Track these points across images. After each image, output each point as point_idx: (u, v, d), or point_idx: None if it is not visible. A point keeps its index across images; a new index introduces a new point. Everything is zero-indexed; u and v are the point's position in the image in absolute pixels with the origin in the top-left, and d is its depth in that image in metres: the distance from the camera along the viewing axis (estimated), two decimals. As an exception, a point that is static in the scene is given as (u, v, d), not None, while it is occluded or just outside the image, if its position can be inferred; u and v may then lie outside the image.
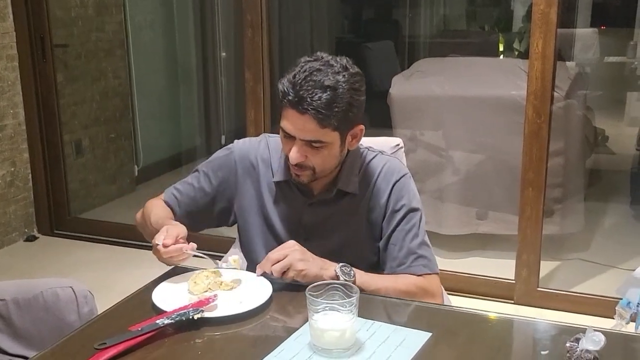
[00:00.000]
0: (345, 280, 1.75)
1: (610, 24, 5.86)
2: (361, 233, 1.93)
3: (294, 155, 1.79)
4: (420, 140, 4.31)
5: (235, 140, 2.06)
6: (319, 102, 1.70)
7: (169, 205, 2.02)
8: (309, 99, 1.70)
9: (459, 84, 4.32)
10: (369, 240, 1.94)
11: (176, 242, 1.75)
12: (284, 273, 1.72)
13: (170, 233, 1.76)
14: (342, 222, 1.93)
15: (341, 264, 1.78)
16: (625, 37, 5.60)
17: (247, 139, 2.07)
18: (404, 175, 1.93)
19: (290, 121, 1.76)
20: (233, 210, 2.02)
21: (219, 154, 2.04)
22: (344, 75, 1.74)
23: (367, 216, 1.92)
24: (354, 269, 1.79)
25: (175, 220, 1.92)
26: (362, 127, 1.85)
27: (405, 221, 1.90)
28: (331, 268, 1.76)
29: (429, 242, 1.95)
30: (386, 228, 1.92)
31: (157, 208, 1.99)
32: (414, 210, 1.91)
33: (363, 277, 1.80)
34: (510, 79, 4.07)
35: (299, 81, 1.72)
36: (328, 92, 1.71)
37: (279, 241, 1.93)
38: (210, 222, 2.08)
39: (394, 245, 1.90)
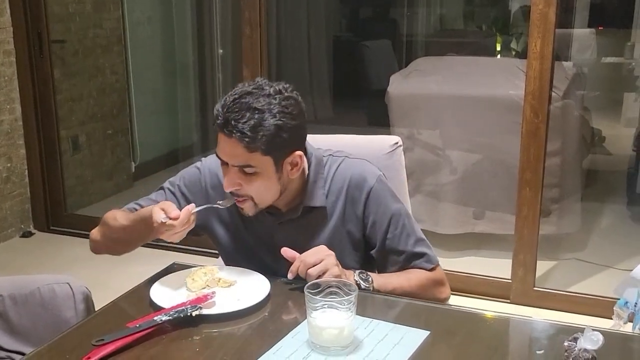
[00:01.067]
0: (366, 286, 1.77)
1: (607, 25, 5.87)
2: (339, 243, 1.88)
3: (226, 183, 1.75)
4: (418, 139, 4.31)
5: (203, 159, 2.00)
6: (244, 124, 1.66)
7: None
8: (233, 122, 1.66)
9: (457, 83, 4.32)
10: (348, 250, 1.91)
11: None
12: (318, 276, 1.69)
13: (167, 206, 1.71)
14: (316, 235, 1.88)
15: (358, 270, 1.79)
16: (623, 38, 5.62)
17: (214, 156, 1.96)
18: (376, 180, 1.87)
19: (220, 146, 1.72)
20: (203, 229, 1.96)
21: (187, 172, 1.98)
22: (275, 98, 1.70)
23: (344, 226, 1.88)
24: (370, 273, 1.80)
25: None
26: (300, 153, 1.78)
27: (394, 226, 1.88)
28: (350, 276, 1.76)
29: (422, 234, 1.93)
30: (374, 238, 1.89)
31: (122, 212, 1.94)
32: (397, 212, 1.88)
33: (379, 280, 1.81)
34: (508, 78, 4.08)
35: (228, 104, 1.69)
36: (256, 115, 1.66)
37: (257, 256, 1.91)
38: None
39: (392, 252, 1.89)
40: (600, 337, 1.38)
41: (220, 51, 5.83)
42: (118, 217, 1.92)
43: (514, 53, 5.60)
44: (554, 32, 3.24)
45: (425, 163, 4.24)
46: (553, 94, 3.48)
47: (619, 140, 5.55)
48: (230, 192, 1.77)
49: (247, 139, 1.66)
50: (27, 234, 4.53)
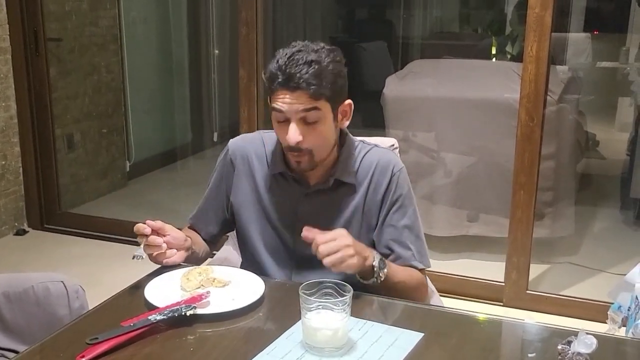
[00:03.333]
0: (380, 275, 1.77)
1: (603, 29, 5.88)
2: (358, 224, 1.94)
3: (292, 135, 1.79)
4: (413, 142, 4.31)
5: (230, 140, 2.07)
6: (307, 75, 1.74)
7: (193, 229, 2.09)
8: (298, 75, 1.74)
9: (453, 86, 4.32)
10: (364, 232, 1.95)
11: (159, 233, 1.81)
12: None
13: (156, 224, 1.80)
14: (339, 213, 1.94)
15: (379, 256, 1.80)
16: (618, 43, 5.62)
17: (241, 135, 2.10)
18: (400, 169, 1.95)
19: (284, 102, 1.78)
20: (230, 206, 2.04)
21: (219, 159, 2.07)
22: (323, 51, 1.79)
23: (363, 208, 1.93)
24: (387, 262, 1.82)
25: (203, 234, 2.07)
26: (350, 102, 1.89)
27: (400, 215, 1.93)
28: (370, 258, 1.76)
29: (422, 234, 1.98)
30: (382, 220, 1.93)
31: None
32: (409, 204, 1.95)
33: (391, 268, 1.82)
34: (503, 81, 4.08)
35: (284, 62, 1.76)
36: (314, 66, 1.75)
37: (276, 232, 1.96)
38: (230, 227, 2.11)
39: (390, 239, 1.92)
40: (594, 340, 1.38)
41: (216, 51, 5.83)
42: None
43: (509, 56, 5.61)
44: (549, 35, 3.25)
45: (419, 165, 4.24)
46: (548, 97, 3.49)
47: (613, 144, 5.56)
48: (291, 148, 1.82)
49: (313, 87, 1.75)
50: (21, 232, 4.52)
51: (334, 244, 1.69)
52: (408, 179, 1.98)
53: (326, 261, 1.68)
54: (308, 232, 1.72)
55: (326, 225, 1.87)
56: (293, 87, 1.75)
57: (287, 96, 1.76)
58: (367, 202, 1.93)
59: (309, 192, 1.94)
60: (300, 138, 1.80)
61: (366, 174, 1.94)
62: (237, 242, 2.13)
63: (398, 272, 1.85)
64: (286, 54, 1.78)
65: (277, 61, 1.77)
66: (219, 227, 2.09)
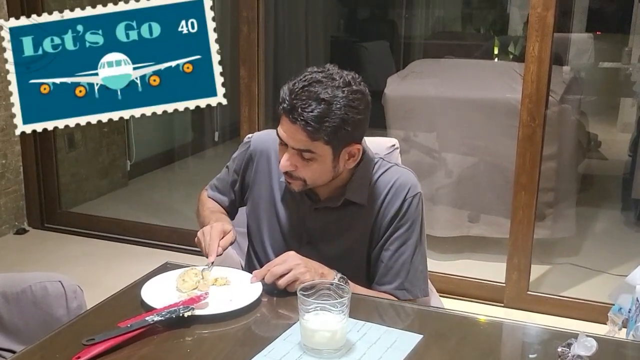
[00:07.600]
0: None
1: (605, 30, 5.86)
2: (364, 243, 1.91)
3: (284, 163, 1.78)
4: (414, 141, 4.30)
5: (254, 133, 2.08)
6: (310, 114, 1.68)
7: (215, 200, 2.11)
8: (300, 110, 1.69)
9: (454, 85, 4.31)
10: (365, 252, 1.93)
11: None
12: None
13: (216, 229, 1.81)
14: (346, 230, 1.91)
15: (339, 275, 1.78)
16: (620, 43, 5.61)
17: (265, 131, 2.08)
18: (415, 195, 1.89)
19: (283, 128, 1.75)
20: (247, 196, 2.05)
21: (240, 149, 2.07)
22: (343, 91, 1.71)
23: (372, 228, 1.90)
24: (349, 282, 1.79)
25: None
26: (359, 146, 1.81)
27: (401, 241, 1.89)
28: (329, 277, 1.75)
29: (421, 265, 1.93)
30: (383, 242, 1.90)
31: (208, 202, 2.09)
32: (414, 233, 1.90)
33: (355, 289, 1.80)
34: (505, 82, 4.07)
35: (297, 90, 1.71)
36: (322, 106, 1.69)
37: (284, 239, 1.95)
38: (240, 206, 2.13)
39: (383, 263, 1.90)
40: (594, 343, 1.37)
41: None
42: (199, 207, 2.07)
43: (511, 56, 5.60)
44: (552, 35, 3.23)
45: (421, 165, 4.23)
46: (550, 98, 3.48)
47: (615, 145, 5.55)
48: (284, 172, 1.81)
49: (310, 128, 1.69)
50: (21, 231, 4.51)
51: (285, 265, 1.70)
52: (421, 205, 1.92)
53: (280, 282, 1.69)
54: (254, 277, 1.74)
55: (334, 240, 1.86)
56: (293, 120, 1.70)
57: (287, 125, 1.73)
58: (377, 223, 1.89)
59: (319, 207, 1.91)
60: (291, 168, 1.78)
61: (379, 195, 1.89)
62: (238, 241, 2.12)
63: (362, 293, 1.83)
64: (305, 81, 1.71)
65: (294, 84, 1.72)
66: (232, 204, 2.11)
